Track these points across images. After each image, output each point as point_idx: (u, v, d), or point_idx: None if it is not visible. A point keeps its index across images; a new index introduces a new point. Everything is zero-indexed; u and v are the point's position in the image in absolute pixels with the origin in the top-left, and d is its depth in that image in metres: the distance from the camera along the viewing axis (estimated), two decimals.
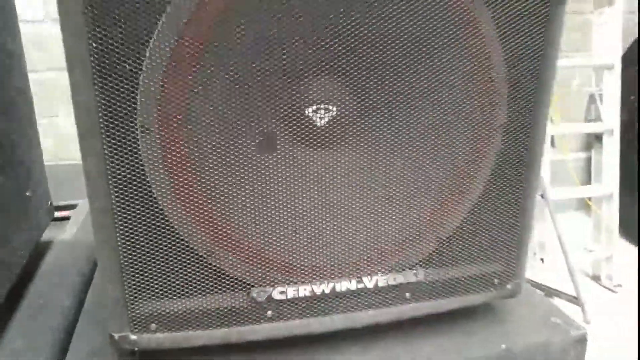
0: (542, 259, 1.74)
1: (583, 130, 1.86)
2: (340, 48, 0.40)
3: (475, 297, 0.49)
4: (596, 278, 1.90)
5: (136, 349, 0.43)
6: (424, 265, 0.47)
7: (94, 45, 0.35)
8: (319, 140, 0.43)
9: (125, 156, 0.39)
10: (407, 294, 0.47)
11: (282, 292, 0.44)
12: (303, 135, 0.43)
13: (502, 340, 0.49)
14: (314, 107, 0.43)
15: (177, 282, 0.42)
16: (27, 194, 0.55)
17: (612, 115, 1.77)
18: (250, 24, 0.38)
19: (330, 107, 0.44)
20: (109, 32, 0.35)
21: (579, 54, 1.93)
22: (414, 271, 0.47)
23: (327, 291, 0.45)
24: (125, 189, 0.39)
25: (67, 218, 0.74)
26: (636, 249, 2.18)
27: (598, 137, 1.83)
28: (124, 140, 0.38)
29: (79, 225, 0.73)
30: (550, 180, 1.72)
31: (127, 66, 0.37)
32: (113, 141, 0.38)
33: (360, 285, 0.45)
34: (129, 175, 0.39)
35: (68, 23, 0.35)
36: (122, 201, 0.40)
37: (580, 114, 1.96)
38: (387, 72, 0.42)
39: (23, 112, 0.58)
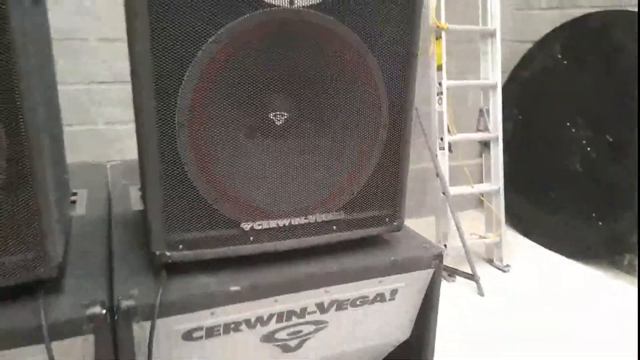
0: (445, 245, 2.18)
1: (474, 138, 2.35)
2: (286, 80, 0.74)
3: (374, 229, 0.85)
4: (489, 261, 2.38)
5: (170, 261, 0.72)
6: (344, 209, 0.82)
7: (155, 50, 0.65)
8: (277, 133, 0.76)
9: (168, 141, 0.69)
10: (334, 227, 0.81)
11: (259, 225, 0.76)
12: (268, 130, 0.76)
13: (390, 255, 0.85)
14: (274, 113, 0.77)
15: (195, 219, 0.73)
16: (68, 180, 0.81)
17: (496, 125, 2.27)
18: (238, 67, 0.71)
19: (284, 113, 0.77)
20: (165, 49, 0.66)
21: (472, 76, 2.42)
22: (338, 213, 0.81)
23: (286, 224, 0.78)
24: (167, 162, 0.70)
25: (73, 202, 0.99)
26: (521, 236, 2.72)
27: (486, 144, 2.33)
28: (168, 131, 0.69)
29: (84, 206, 0.99)
30: (450, 181, 2.17)
31: (169, 81, 0.67)
32: (162, 131, 0.68)
33: (306, 221, 0.79)
34: (170, 153, 0.69)
35: (135, 26, 0.64)
36: (165, 169, 0.70)
37: (474, 126, 2.45)
38: (314, 93, 0.76)
39: (59, 119, 0.84)
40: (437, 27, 2.10)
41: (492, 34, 2.28)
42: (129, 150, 1.86)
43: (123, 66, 1.81)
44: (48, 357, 0.64)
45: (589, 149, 2.48)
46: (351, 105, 0.78)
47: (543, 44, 2.68)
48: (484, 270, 2.25)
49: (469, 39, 2.57)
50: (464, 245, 2.16)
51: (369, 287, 0.84)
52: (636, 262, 2.26)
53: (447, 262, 2.17)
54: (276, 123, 0.77)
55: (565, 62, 2.58)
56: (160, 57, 0.65)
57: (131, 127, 0.92)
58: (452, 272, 2.19)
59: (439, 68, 2.14)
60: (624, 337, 1.83)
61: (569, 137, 2.55)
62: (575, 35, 2.54)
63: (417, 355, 0.96)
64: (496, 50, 2.28)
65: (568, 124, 2.56)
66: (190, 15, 0.65)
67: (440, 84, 2.13)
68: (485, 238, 2.33)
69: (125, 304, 0.68)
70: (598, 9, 2.48)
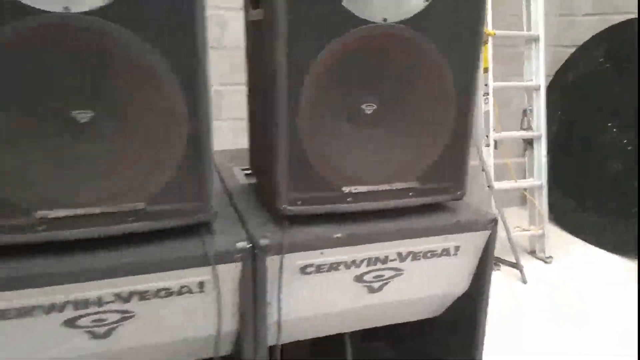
0: None
1: (518, 135, 2.53)
2: (376, 78, 0.99)
3: (442, 197, 1.09)
4: (532, 252, 2.55)
5: (290, 213, 0.98)
6: (418, 179, 1.06)
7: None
8: (368, 119, 1.01)
9: (292, 125, 0.95)
10: (411, 193, 1.06)
11: (355, 189, 1.02)
12: (361, 117, 1.01)
13: (454, 217, 1.09)
14: (365, 104, 1.02)
15: (309, 183, 0.99)
16: None
17: (539, 125, 2.45)
18: (343, 69, 0.96)
19: (373, 105, 1.02)
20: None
21: (516, 79, 2.61)
22: (414, 182, 1.06)
23: (375, 189, 1.03)
24: (290, 141, 0.95)
25: None
26: (563, 232, 2.87)
27: (530, 143, 2.52)
28: (293, 117, 0.94)
29: None
30: (494, 178, 2.37)
31: (297, 78, 0.93)
32: (290, 117, 0.94)
33: (390, 187, 1.04)
34: (293, 134, 0.95)
35: (276, 30, 0.91)
36: (289, 146, 0.95)
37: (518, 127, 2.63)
38: (397, 89, 1.01)
39: None
40: (485, 33, 2.31)
41: (536, 39, 2.47)
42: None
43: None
44: (212, 275, 0.91)
45: (629, 148, 2.62)
46: (426, 98, 1.02)
47: (586, 49, 2.84)
48: (527, 261, 2.43)
49: (513, 43, 2.76)
50: (509, 235, 2.34)
51: (437, 243, 1.08)
52: None
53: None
54: (366, 112, 1.02)
55: (607, 65, 2.73)
56: (292, 60, 0.92)
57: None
58: (497, 261, 2.38)
59: (485, 70, 2.35)
60: None
61: (610, 138, 2.70)
62: (617, 40, 2.69)
63: (473, 305, 1.18)
64: (540, 55, 2.46)
65: (609, 124, 2.70)
66: (314, 28, 0.91)
67: (486, 85, 2.34)
68: (529, 230, 2.50)
69: (263, 241, 0.95)
70: None
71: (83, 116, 0.84)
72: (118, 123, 0.85)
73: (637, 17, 2.55)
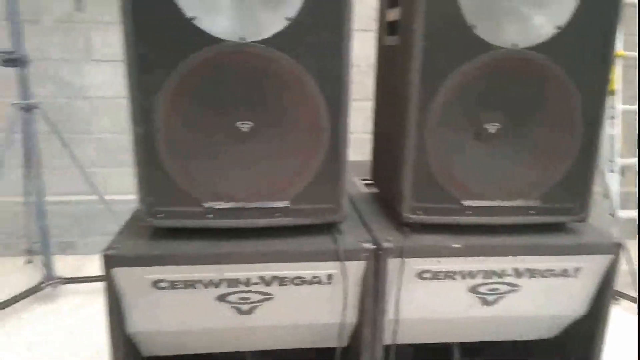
0: None
1: None
2: (502, 99, 1.05)
3: (565, 217, 1.13)
4: None
5: (411, 221, 1.07)
6: (541, 198, 1.10)
7: None
8: (491, 138, 1.07)
9: (420, 141, 1.04)
10: (532, 212, 1.10)
11: (475, 203, 1.08)
12: (484, 135, 1.07)
13: (577, 238, 1.10)
14: (489, 124, 1.08)
15: (431, 194, 1.07)
16: None
17: None
18: (468, 90, 1.04)
19: (497, 124, 1.08)
20: None
21: None
22: (536, 200, 1.09)
23: (496, 205, 1.08)
24: (417, 155, 1.05)
25: None
26: None
27: None
28: (421, 133, 1.04)
29: None
30: (620, 205, 2.24)
31: (426, 97, 1.03)
32: (418, 133, 1.04)
33: (510, 204, 1.09)
34: (420, 149, 1.05)
35: (414, 55, 1.02)
36: (415, 160, 1.05)
37: None
38: (522, 111, 1.06)
39: None
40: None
41: None
42: None
43: None
44: (341, 270, 1.03)
45: None
46: (552, 121, 1.06)
47: None
48: None
49: None
50: (631, 268, 2.20)
51: (556, 262, 1.10)
52: None
53: None
54: (490, 131, 1.08)
55: None
56: (424, 81, 1.02)
57: None
58: (617, 295, 2.24)
59: (612, 93, 2.25)
60: None
61: None
62: None
63: (592, 330, 1.17)
64: None
65: None
66: (446, 53, 1.01)
67: (613, 107, 2.23)
68: None
69: (386, 244, 1.05)
70: None
71: (245, 126, 1.01)
72: (273, 133, 1.02)
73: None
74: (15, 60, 1.92)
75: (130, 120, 0.96)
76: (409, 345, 1.28)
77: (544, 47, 1.02)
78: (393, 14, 1.16)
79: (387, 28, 1.21)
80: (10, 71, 1.95)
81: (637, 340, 1.80)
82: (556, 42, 1.02)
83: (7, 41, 1.91)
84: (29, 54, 1.95)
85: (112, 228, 2.56)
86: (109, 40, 2.42)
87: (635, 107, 2.31)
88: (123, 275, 0.99)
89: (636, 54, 2.27)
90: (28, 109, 1.97)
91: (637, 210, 2.40)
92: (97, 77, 2.46)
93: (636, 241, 2.68)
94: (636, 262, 2.28)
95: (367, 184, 1.48)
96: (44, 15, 2.34)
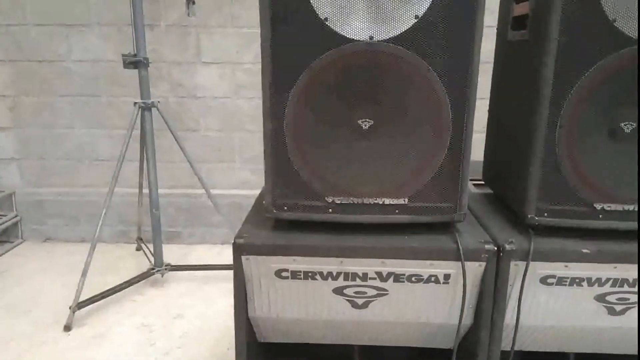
0: None
1: None
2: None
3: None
4: None
5: (536, 223, 1.04)
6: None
7: None
8: (627, 139, 1.01)
9: (550, 140, 1.01)
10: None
11: (609, 206, 1.02)
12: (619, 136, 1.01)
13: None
14: (624, 122, 1.02)
15: (559, 196, 1.04)
16: None
17: None
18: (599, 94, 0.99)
19: (632, 123, 1.02)
20: None
21: None
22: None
23: (626, 209, 1.02)
24: (545, 153, 1.02)
25: None
26: None
27: None
28: (550, 133, 1.01)
29: None
30: None
31: (563, 93, 1.00)
32: (548, 132, 1.01)
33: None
34: (550, 148, 1.01)
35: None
36: (543, 158, 1.02)
37: None
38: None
39: None
40: None
41: None
42: None
43: None
44: (462, 270, 1.03)
45: None
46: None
47: None
48: None
49: None
50: None
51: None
52: None
53: None
54: (625, 130, 1.03)
55: None
56: (558, 77, 0.99)
57: None
58: None
59: None
60: None
61: None
62: None
63: None
64: None
65: None
66: (584, 48, 0.97)
67: None
68: None
69: (509, 246, 1.03)
70: None
71: (365, 124, 1.04)
72: (394, 131, 1.04)
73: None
74: (137, 63, 2.11)
75: (262, 116, 1.03)
76: (516, 351, 1.24)
77: None
78: (520, 8, 1.13)
79: (512, 23, 1.18)
80: (131, 72, 2.14)
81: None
82: None
83: (129, 45, 2.10)
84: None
85: (214, 220, 2.76)
86: (216, 44, 2.58)
87: None
88: (250, 262, 1.06)
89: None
90: (147, 107, 2.15)
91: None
92: (206, 79, 2.63)
93: None
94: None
95: (476, 184, 1.46)
96: (160, 21, 2.55)
